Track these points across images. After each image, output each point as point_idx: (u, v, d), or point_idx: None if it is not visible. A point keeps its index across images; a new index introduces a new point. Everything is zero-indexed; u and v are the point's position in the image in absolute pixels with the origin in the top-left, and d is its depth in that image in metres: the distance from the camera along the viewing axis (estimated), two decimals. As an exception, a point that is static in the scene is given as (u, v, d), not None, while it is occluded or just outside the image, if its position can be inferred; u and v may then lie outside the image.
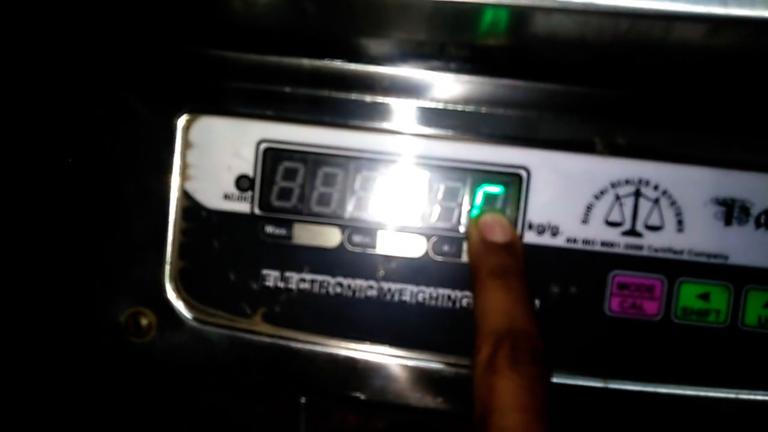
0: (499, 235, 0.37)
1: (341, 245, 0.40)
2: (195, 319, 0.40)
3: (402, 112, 0.39)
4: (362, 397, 0.41)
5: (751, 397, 0.40)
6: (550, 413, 0.32)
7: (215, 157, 0.40)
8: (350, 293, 0.40)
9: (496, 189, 0.39)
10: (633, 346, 0.40)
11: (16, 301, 0.43)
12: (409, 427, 0.44)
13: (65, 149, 0.41)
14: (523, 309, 0.35)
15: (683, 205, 0.39)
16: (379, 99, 0.39)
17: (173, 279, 0.40)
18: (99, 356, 0.41)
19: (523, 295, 0.35)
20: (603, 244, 0.40)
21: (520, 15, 0.30)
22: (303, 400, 0.49)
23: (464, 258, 0.40)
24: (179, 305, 0.40)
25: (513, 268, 0.36)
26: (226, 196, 0.40)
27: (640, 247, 0.40)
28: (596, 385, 0.40)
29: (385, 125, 0.39)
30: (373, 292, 0.40)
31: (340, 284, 0.40)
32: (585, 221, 0.39)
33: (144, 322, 0.40)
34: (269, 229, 0.40)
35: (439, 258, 0.40)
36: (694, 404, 0.40)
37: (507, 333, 0.34)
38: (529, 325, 0.35)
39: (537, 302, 0.40)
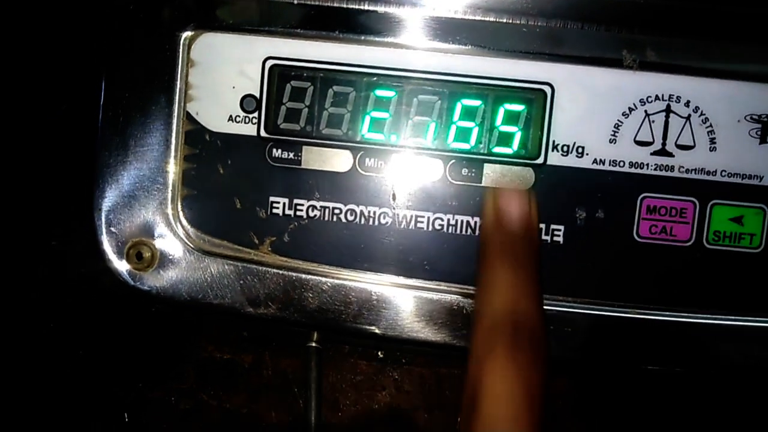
0: (515, 211, 0.35)
1: (353, 169, 0.38)
2: (199, 249, 0.38)
3: (417, 24, 0.36)
4: (376, 331, 0.38)
5: (789, 325, 0.38)
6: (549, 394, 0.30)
7: (219, 76, 0.37)
8: (363, 221, 0.38)
9: (518, 107, 0.37)
10: (663, 272, 0.38)
11: (18, 235, 0.41)
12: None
13: (64, 73, 0.38)
14: (528, 293, 0.33)
15: (716, 123, 0.37)
16: (393, 10, 0.36)
17: (176, 207, 0.38)
18: (102, 290, 0.39)
19: (531, 278, 0.33)
20: (632, 165, 0.37)
21: None
22: (313, 344, 0.47)
23: (484, 182, 0.38)
24: (182, 235, 0.38)
25: (525, 248, 0.34)
26: (231, 118, 0.38)
27: (670, 168, 0.37)
28: (625, 314, 0.38)
29: (399, 39, 0.37)
30: (387, 220, 0.38)
31: (352, 211, 0.38)
32: (612, 141, 0.37)
33: (146, 253, 0.38)
34: (277, 152, 0.38)
35: (457, 182, 0.38)
36: (726, 332, 0.38)
37: (508, 317, 0.32)
38: (533, 311, 0.32)
39: (562, 228, 0.38)
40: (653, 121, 0.37)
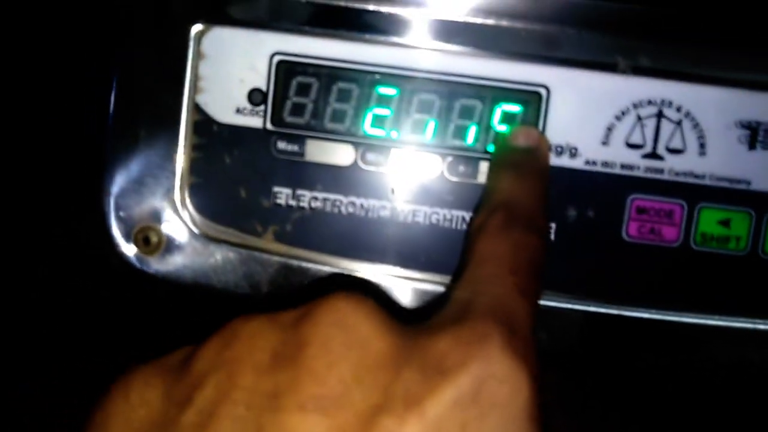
0: (521, 140, 0.36)
1: (354, 163, 0.39)
2: (204, 236, 0.40)
3: (420, 25, 0.38)
4: (373, 319, 0.40)
5: (770, 325, 0.39)
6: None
7: (228, 69, 0.39)
8: (363, 213, 0.39)
9: (514, 108, 0.38)
10: (650, 272, 0.39)
11: (25, 218, 0.43)
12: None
13: (75, 61, 0.40)
14: (529, 191, 0.33)
15: (706, 128, 0.38)
16: (397, 11, 0.38)
17: (183, 195, 0.40)
18: (108, 272, 0.41)
19: (536, 187, 0.34)
20: (623, 166, 0.39)
21: None
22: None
23: (480, 179, 0.39)
24: (189, 222, 0.40)
25: (531, 165, 0.35)
26: (238, 110, 0.39)
27: (660, 171, 0.39)
28: (612, 311, 0.39)
29: (401, 39, 0.38)
30: (386, 213, 0.39)
31: (353, 203, 0.39)
32: (605, 143, 0.39)
33: (154, 238, 0.40)
34: (281, 145, 0.39)
35: (454, 178, 0.39)
36: (710, 333, 0.39)
37: (504, 203, 0.32)
38: (532, 202, 0.32)
39: (553, 225, 0.39)
40: (645, 125, 0.38)
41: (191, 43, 0.38)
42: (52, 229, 0.42)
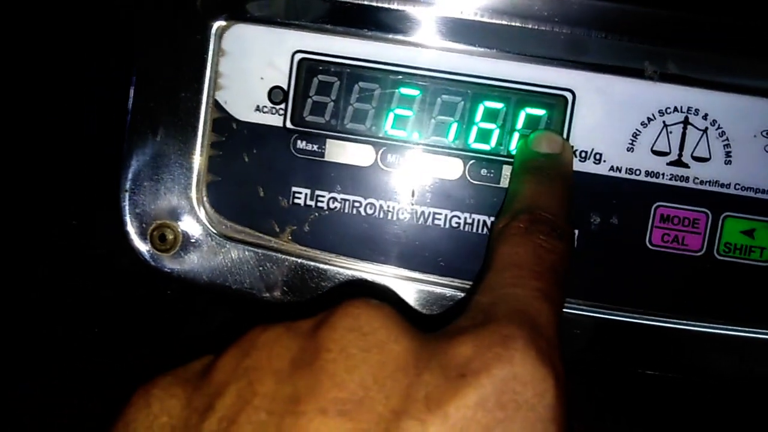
0: (544, 147, 0.36)
1: (375, 164, 0.39)
2: (221, 234, 0.39)
3: (444, 25, 0.37)
4: (389, 323, 0.39)
5: (793, 338, 0.38)
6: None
7: (248, 66, 0.38)
8: (382, 215, 0.39)
9: (539, 111, 0.38)
10: (674, 281, 0.39)
11: (41, 213, 0.42)
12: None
13: (93, 55, 0.39)
14: (552, 196, 0.33)
15: (732, 137, 0.38)
16: (421, 10, 0.37)
17: (200, 193, 0.39)
18: (122, 270, 0.40)
19: (559, 192, 0.33)
20: (648, 173, 0.38)
21: None
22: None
23: (503, 183, 0.38)
24: (205, 220, 0.39)
25: (554, 171, 0.35)
26: (258, 108, 0.39)
27: (685, 179, 0.38)
28: (633, 319, 0.39)
29: (425, 39, 0.37)
30: (405, 215, 0.39)
31: (372, 205, 0.39)
32: (630, 149, 0.38)
33: (170, 236, 0.39)
34: (301, 144, 0.39)
35: (476, 182, 0.39)
36: (732, 343, 0.39)
37: (527, 208, 0.32)
38: (555, 207, 0.32)
39: (576, 231, 0.38)
40: (671, 132, 0.38)
41: (212, 40, 0.38)
42: (65, 224, 0.42)
